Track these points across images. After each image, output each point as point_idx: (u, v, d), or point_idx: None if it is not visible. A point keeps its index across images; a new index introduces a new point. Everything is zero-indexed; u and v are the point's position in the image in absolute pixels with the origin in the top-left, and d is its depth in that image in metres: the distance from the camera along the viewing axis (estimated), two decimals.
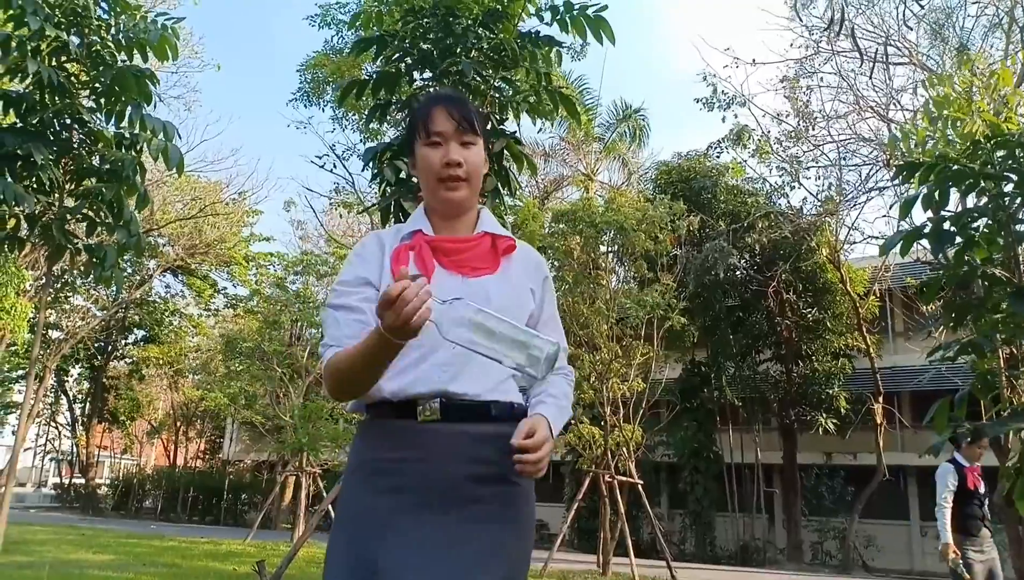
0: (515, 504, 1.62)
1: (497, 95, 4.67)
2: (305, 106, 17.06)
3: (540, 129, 21.01)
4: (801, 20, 14.30)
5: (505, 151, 4.56)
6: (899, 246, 3.96)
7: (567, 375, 1.80)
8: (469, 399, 1.60)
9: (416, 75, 4.68)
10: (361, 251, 1.77)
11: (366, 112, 5.01)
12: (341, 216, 22.78)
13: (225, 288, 30.43)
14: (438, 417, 1.58)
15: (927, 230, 3.91)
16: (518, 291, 1.72)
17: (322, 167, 17.08)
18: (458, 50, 4.46)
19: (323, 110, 17.83)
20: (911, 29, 13.83)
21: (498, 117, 4.77)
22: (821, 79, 15.32)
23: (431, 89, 4.64)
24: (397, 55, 4.55)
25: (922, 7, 12.65)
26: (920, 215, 4.09)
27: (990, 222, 3.89)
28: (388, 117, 4.73)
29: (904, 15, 13.43)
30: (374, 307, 1.49)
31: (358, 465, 1.65)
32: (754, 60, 20.29)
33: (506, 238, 1.77)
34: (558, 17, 4.31)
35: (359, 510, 1.60)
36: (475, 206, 1.81)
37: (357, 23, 4.70)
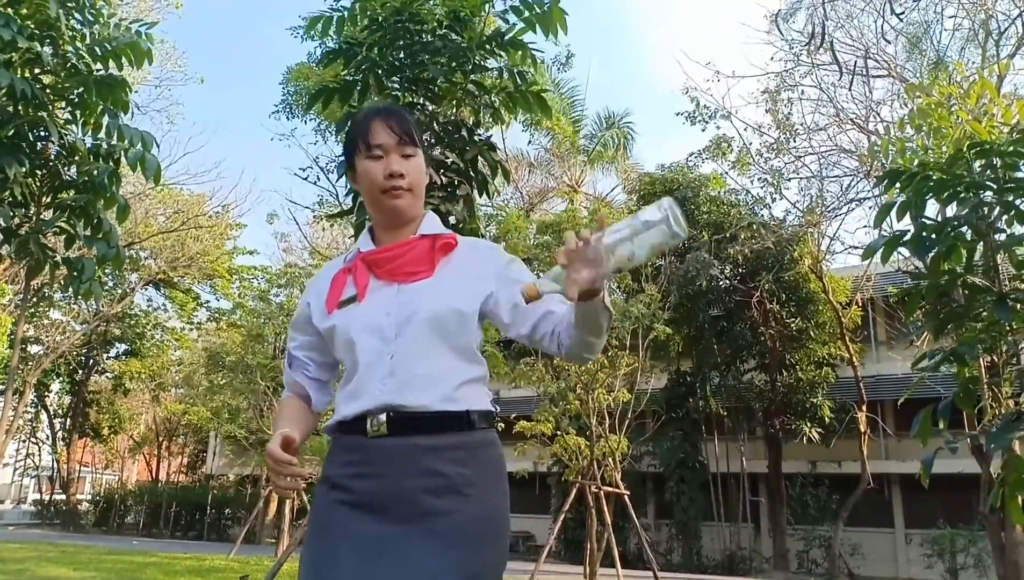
0: (470, 517, 1.58)
1: (468, 99, 4.67)
2: (288, 118, 17.06)
3: (530, 141, 21.13)
4: (782, 34, 14.44)
5: (480, 158, 4.56)
6: (880, 252, 3.99)
7: None
8: (417, 410, 1.59)
9: (386, 82, 4.67)
10: (309, 286, 1.86)
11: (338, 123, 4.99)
12: (324, 229, 22.73)
13: (208, 301, 30.30)
14: (386, 431, 1.58)
15: (908, 237, 3.94)
16: (455, 287, 1.68)
17: (305, 179, 17.06)
18: (424, 57, 4.46)
19: (305, 122, 17.83)
20: (889, 43, 14.00)
21: (470, 123, 4.76)
22: (802, 92, 15.46)
23: (400, 97, 4.64)
24: (366, 64, 4.54)
25: (900, 19, 12.80)
26: (899, 222, 4.11)
27: (963, 233, 3.93)
28: None
29: (883, 29, 13.59)
30: (311, 355, 1.81)
31: (322, 480, 1.69)
32: (734, 72, 20.52)
33: (443, 237, 1.76)
34: (523, 16, 4.34)
35: (319, 524, 1.64)
36: (420, 215, 1.81)
37: (313, 30, 4.64)
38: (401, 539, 1.53)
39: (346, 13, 4.55)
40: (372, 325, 1.64)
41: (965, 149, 3.84)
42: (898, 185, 4.00)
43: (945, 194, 3.91)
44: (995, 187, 3.85)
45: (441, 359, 1.63)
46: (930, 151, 4.16)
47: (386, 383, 1.59)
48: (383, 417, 1.58)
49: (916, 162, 4.02)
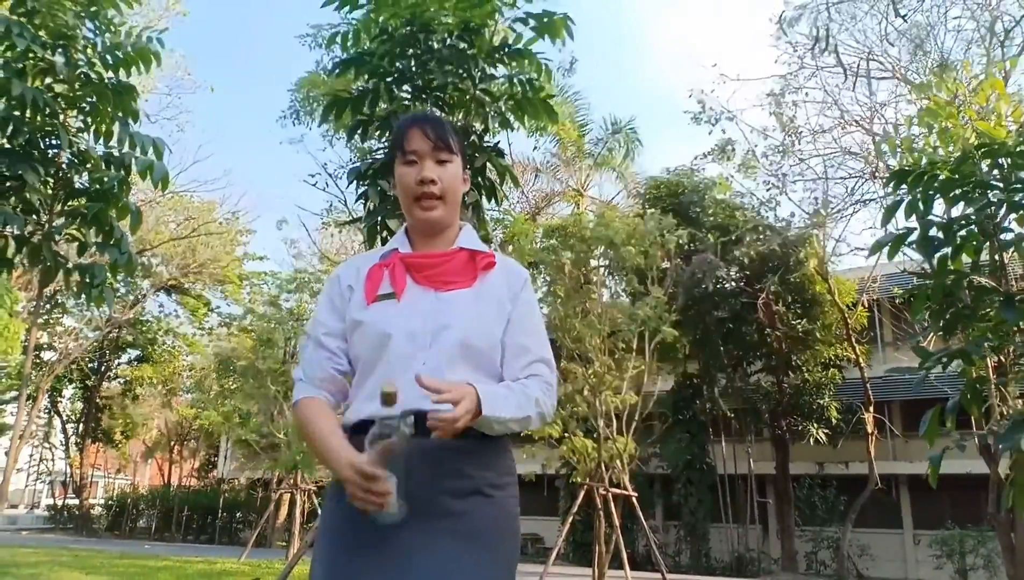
0: (492, 518, 1.62)
1: (477, 106, 4.72)
2: (294, 124, 17.16)
3: (535, 147, 21.16)
4: (786, 35, 14.45)
5: (488, 164, 4.62)
6: (887, 249, 4.00)
7: (544, 376, 1.73)
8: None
9: (396, 91, 4.73)
10: (334, 279, 1.83)
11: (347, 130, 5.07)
12: (333, 235, 22.82)
13: (219, 307, 30.41)
14: (412, 431, 1.56)
15: (915, 235, 3.96)
16: (492, 307, 1.71)
17: (314, 185, 17.14)
18: (434, 66, 4.52)
19: (310, 128, 17.94)
20: (892, 45, 14.00)
21: (479, 130, 4.82)
22: (806, 94, 15.47)
23: (410, 106, 4.69)
24: (377, 73, 4.61)
25: (904, 20, 12.81)
26: (906, 221, 4.13)
27: (974, 230, 3.94)
28: (368, 134, 4.77)
29: (886, 31, 13.59)
30: (337, 344, 1.73)
31: (337, 483, 1.65)
32: (739, 75, 20.58)
33: (486, 254, 1.77)
34: (529, 25, 4.40)
35: (339, 524, 1.62)
36: (455, 223, 1.82)
37: (335, 42, 4.72)
38: (428, 539, 1.54)
39: (359, 24, 4.62)
40: (407, 328, 1.64)
41: (974, 148, 3.86)
42: (905, 185, 4.01)
43: (952, 193, 3.93)
44: (1002, 186, 3.87)
45: (468, 371, 1.63)
46: (938, 149, 4.18)
47: (417, 388, 1.54)
48: (411, 419, 1.54)
49: (924, 161, 4.04)
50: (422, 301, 1.68)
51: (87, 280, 5.16)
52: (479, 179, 4.55)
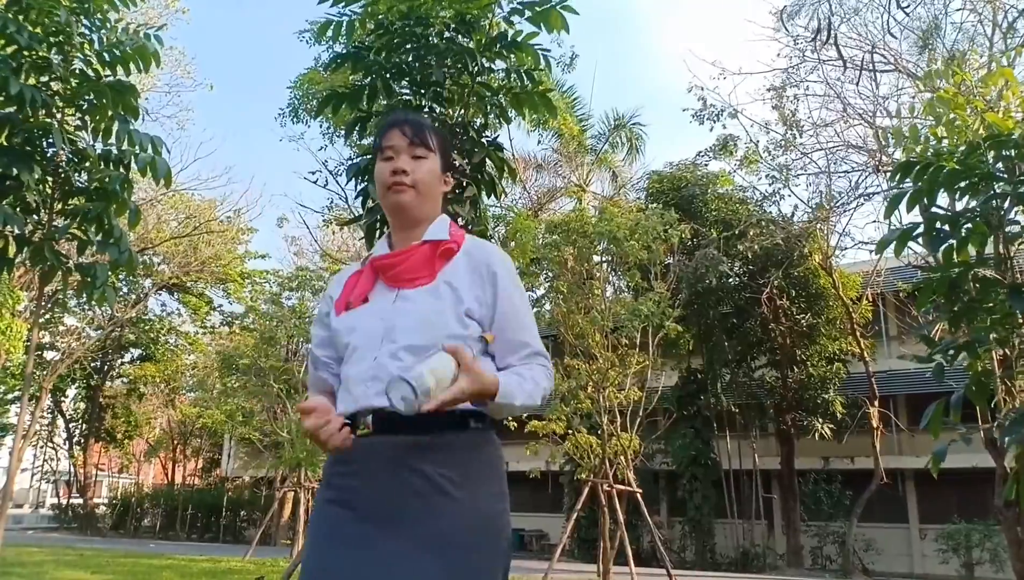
0: (460, 522, 1.54)
1: (475, 100, 4.68)
2: (293, 122, 17.12)
3: (539, 142, 21.12)
4: (787, 30, 14.38)
5: (487, 159, 4.59)
6: (894, 245, 3.97)
7: (544, 365, 1.73)
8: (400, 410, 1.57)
9: (394, 86, 4.70)
10: (332, 281, 1.91)
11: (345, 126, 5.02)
12: (334, 232, 22.81)
13: (221, 305, 30.43)
14: (371, 430, 1.60)
15: (921, 229, 3.92)
16: (448, 300, 1.66)
17: (315, 183, 17.12)
18: (431, 60, 4.49)
19: (309, 126, 17.90)
20: (895, 37, 13.91)
21: (478, 125, 4.78)
22: (808, 88, 15.40)
23: (409, 101, 4.66)
24: (374, 68, 4.58)
25: (907, 14, 12.74)
26: (909, 215, 4.09)
27: (980, 223, 3.90)
28: (367, 130, 4.73)
29: (888, 23, 13.51)
30: (330, 354, 1.78)
31: (321, 478, 1.73)
32: (740, 69, 20.55)
33: (443, 242, 1.75)
34: (527, 16, 4.36)
35: (313, 523, 1.68)
36: (430, 217, 1.82)
37: (327, 33, 4.66)
38: (394, 543, 1.51)
39: (355, 17, 4.57)
40: (365, 329, 1.67)
41: (981, 140, 3.82)
42: (910, 177, 3.97)
43: (958, 185, 3.89)
44: (1007, 178, 3.83)
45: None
46: (944, 140, 4.13)
47: (368, 386, 1.60)
48: (369, 418, 1.60)
49: (930, 152, 4.00)
50: (383, 302, 1.71)
51: (88, 279, 5.13)
52: (478, 174, 4.51)
